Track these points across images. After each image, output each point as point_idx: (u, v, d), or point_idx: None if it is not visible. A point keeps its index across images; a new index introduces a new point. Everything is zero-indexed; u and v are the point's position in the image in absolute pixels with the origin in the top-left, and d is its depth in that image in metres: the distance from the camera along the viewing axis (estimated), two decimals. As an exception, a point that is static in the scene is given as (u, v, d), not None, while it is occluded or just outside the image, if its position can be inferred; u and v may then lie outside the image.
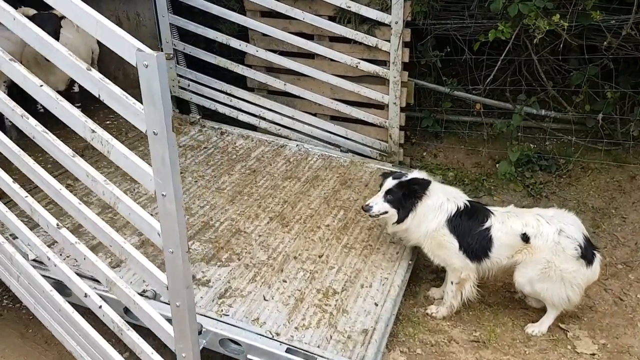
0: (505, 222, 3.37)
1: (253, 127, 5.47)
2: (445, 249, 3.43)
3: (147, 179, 2.01)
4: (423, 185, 3.43)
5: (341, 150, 5.12)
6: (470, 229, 3.39)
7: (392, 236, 3.82)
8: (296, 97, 5.29)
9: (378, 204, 3.50)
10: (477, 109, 5.36)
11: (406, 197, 3.43)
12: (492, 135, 5.46)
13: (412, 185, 3.43)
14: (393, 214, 3.49)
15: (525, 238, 3.32)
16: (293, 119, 5.32)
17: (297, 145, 5.10)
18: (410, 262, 3.73)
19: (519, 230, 3.33)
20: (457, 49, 5.32)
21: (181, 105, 5.70)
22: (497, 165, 5.30)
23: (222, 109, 5.50)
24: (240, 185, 4.41)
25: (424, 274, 4.05)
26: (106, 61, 5.40)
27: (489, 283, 3.85)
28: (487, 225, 3.36)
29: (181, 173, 4.56)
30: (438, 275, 3.96)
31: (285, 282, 3.38)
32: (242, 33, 5.40)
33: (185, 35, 5.46)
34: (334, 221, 4.03)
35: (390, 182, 3.50)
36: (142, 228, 2.19)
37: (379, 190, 3.54)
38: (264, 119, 5.41)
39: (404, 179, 3.47)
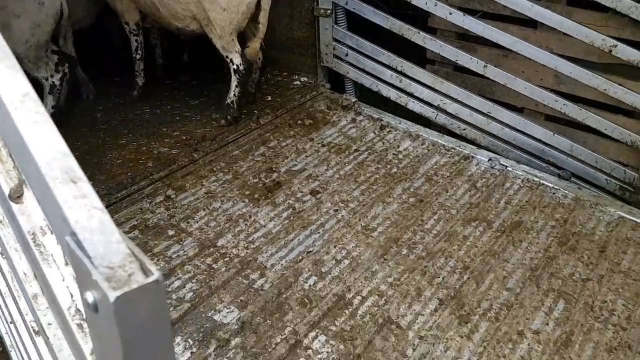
0: None
1: (426, 122, 3.90)
2: None
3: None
4: None
5: (559, 176, 3.35)
6: None
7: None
8: (497, 83, 3.58)
9: None
10: None
11: None
12: None
13: None
14: None
15: None
16: (488, 116, 3.63)
17: (489, 159, 3.44)
18: None
19: None
20: None
21: (334, 79, 4.31)
22: None
23: (386, 91, 4.00)
24: (398, 225, 2.94)
25: None
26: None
27: None
28: None
29: (318, 193, 3.25)
30: None
31: None
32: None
33: (348, -16, 3.97)
34: (546, 323, 2.41)
35: None
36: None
37: None
38: (443, 111, 3.80)
39: None
